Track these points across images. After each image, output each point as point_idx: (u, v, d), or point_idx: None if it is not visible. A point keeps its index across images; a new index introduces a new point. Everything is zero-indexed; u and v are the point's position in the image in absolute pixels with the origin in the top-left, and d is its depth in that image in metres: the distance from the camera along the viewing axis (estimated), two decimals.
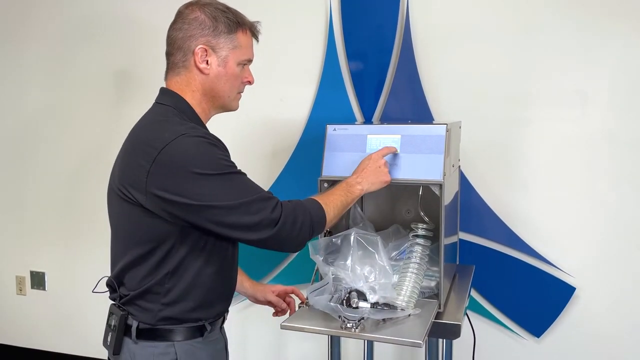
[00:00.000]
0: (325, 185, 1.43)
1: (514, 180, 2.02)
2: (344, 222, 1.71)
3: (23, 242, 2.76)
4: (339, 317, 1.18)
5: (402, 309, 1.22)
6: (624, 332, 1.94)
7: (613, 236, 1.93)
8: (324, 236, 1.39)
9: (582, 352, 2.00)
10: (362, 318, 1.17)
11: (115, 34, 2.48)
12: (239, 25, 1.24)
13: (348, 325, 1.17)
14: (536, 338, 2.05)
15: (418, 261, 1.33)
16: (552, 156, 1.97)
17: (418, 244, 1.36)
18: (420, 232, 1.38)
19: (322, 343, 2.10)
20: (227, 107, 1.29)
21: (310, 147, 2.21)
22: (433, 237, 1.41)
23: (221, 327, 1.30)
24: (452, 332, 1.31)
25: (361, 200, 1.83)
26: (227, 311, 1.31)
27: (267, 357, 2.41)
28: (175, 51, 1.23)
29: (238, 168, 1.16)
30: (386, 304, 1.22)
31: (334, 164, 1.44)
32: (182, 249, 1.15)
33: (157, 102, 1.26)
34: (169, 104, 1.23)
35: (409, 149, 1.39)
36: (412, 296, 1.29)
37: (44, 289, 2.75)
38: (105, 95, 2.53)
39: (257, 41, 1.32)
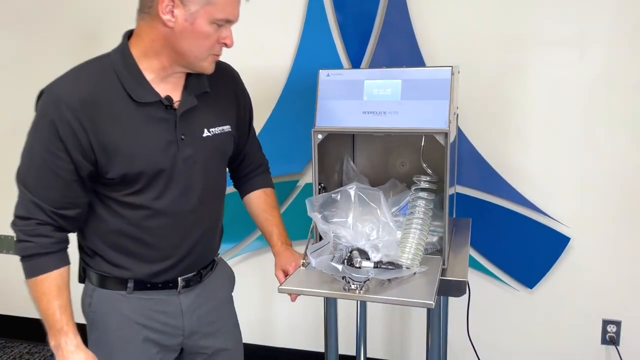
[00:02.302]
0: (319, 137, 1.31)
1: (509, 129, 1.94)
2: (337, 177, 1.61)
3: None
4: (343, 278, 1.09)
5: (407, 268, 1.14)
6: (617, 283, 1.92)
7: (610, 185, 1.88)
8: (320, 192, 1.29)
9: (574, 303, 1.98)
10: (367, 279, 1.08)
11: None
12: None
13: (352, 286, 1.09)
14: (529, 289, 2.02)
15: (422, 216, 1.25)
16: (549, 103, 1.88)
17: (421, 197, 1.27)
18: (423, 185, 1.29)
19: (314, 302, 2.03)
20: (194, 68, 1.14)
21: (294, 96, 2.07)
22: (436, 191, 1.32)
23: (180, 291, 1.24)
24: (458, 289, 1.24)
25: (353, 153, 1.72)
26: (183, 275, 1.24)
27: (257, 316, 2.35)
28: None
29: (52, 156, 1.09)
30: (390, 263, 1.13)
31: (329, 113, 1.32)
32: (89, 207, 1.17)
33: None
34: (111, 53, 1.14)
35: (410, 95, 1.27)
36: (417, 253, 1.21)
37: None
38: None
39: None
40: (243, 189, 1.44)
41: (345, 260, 1.14)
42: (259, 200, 1.41)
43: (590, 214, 1.91)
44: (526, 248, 1.99)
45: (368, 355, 1.95)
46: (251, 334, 2.36)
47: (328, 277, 1.17)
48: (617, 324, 1.95)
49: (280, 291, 1.14)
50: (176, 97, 1.16)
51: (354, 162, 1.69)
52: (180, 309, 1.25)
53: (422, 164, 1.32)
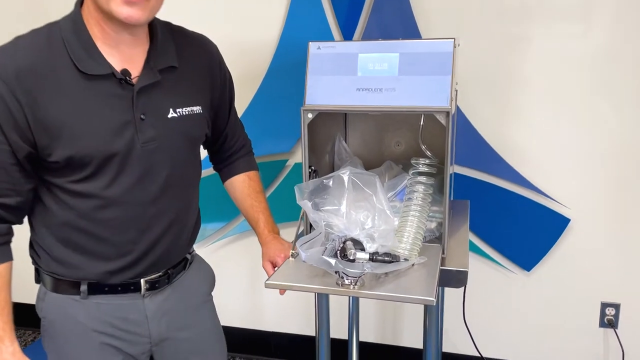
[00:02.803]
0: (310, 116, 1.21)
1: (508, 105, 1.84)
2: (329, 159, 1.51)
3: None
4: (336, 272, 1.00)
5: (405, 259, 1.05)
6: (617, 265, 1.86)
7: (613, 165, 1.80)
8: (311, 177, 1.19)
9: (572, 285, 1.92)
10: (363, 274, 0.99)
11: None
12: None
13: (346, 281, 1.00)
14: (526, 272, 1.95)
15: (420, 202, 1.15)
16: (551, 78, 1.79)
17: (420, 182, 1.17)
18: (422, 168, 1.19)
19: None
20: (107, 10, 0.95)
21: (282, 71, 1.95)
22: (435, 174, 1.23)
23: (144, 294, 1.12)
24: (458, 279, 1.16)
25: (345, 132, 1.62)
26: (146, 276, 1.12)
27: (246, 300, 2.27)
28: None
29: None
30: (387, 254, 1.04)
31: (320, 90, 1.21)
32: (36, 196, 1.05)
33: None
34: (61, 20, 1.01)
35: (408, 70, 1.16)
36: (416, 243, 1.12)
37: None
38: None
39: None
40: (224, 172, 1.33)
41: (338, 252, 1.05)
42: (242, 185, 1.30)
43: (592, 195, 1.84)
44: (524, 230, 1.91)
45: (360, 339, 1.89)
46: (240, 319, 2.30)
47: (320, 269, 1.07)
48: (616, 307, 1.90)
49: (267, 286, 1.04)
50: (135, 71, 1.02)
51: (346, 141, 1.59)
52: (144, 314, 1.13)
53: (420, 146, 1.22)
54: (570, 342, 1.96)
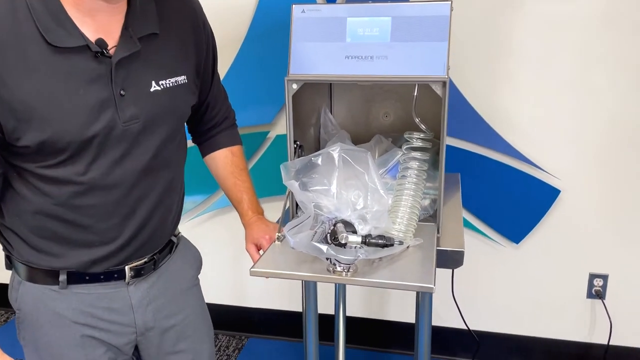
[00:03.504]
0: (294, 86, 1.11)
1: (498, 73, 1.76)
2: (314, 132, 1.42)
3: None
4: (327, 258, 0.92)
5: (399, 242, 0.98)
6: (605, 236, 1.83)
7: (605, 136, 1.74)
8: (296, 153, 1.10)
9: (560, 257, 1.89)
10: (356, 260, 0.91)
11: None
12: None
13: (338, 268, 0.92)
14: (515, 245, 1.92)
15: (415, 180, 1.08)
16: (543, 45, 1.70)
17: (415, 158, 1.10)
18: (416, 143, 1.11)
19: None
20: None
21: (263, 36, 1.83)
22: (429, 149, 1.15)
23: (128, 282, 1.03)
24: (454, 260, 1.10)
25: (330, 103, 1.52)
26: (131, 263, 1.03)
27: (229, 276, 2.20)
28: None
29: None
30: (380, 236, 0.96)
31: (305, 58, 1.11)
32: (6, 181, 0.94)
33: None
34: None
35: (401, 36, 1.07)
36: (411, 224, 1.05)
37: None
38: None
39: None
40: (205, 146, 1.22)
41: (328, 235, 0.97)
42: (225, 161, 1.20)
43: (583, 166, 1.79)
44: (514, 202, 1.86)
45: (347, 314, 1.84)
46: (224, 295, 2.23)
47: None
48: (604, 277, 1.88)
49: (252, 274, 0.96)
50: (112, 41, 0.90)
51: (331, 113, 1.50)
52: (129, 303, 1.04)
53: (414, 119, 1.14)
54: (558, 313, 1.94)
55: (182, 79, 1.01)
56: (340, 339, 1.69)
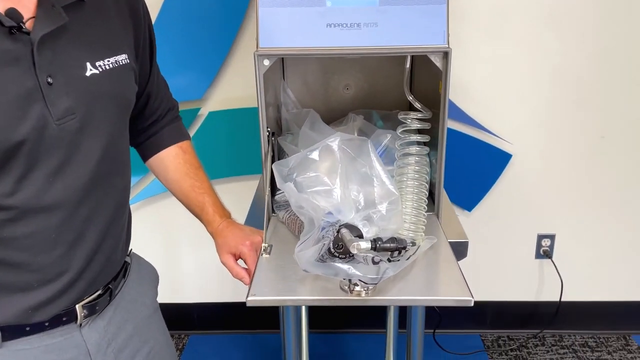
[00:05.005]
0: (266, 63, 0.90)
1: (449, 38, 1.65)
2: (273, 112, 1.22)
3: None
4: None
5: (412, 242, 0.84)
6: (552, 197, 1.84)
7: (554, 98, 1.72)
8: (270, 142, 0.91)
9: (511, 220, 1.88)
10: (383, 278, 0.76)
11: None
12: None
13: (357, 287, 0.76)
14: (467, 212, 1.87)
15: (418, 168, 0.94)
16: (491, 7, 1.62)
17: (413, 143, 0.95)
18: (414, 125, 0.96)
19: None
20: None
21: None
22: (429, 130, 1.00)
23: (81, 323, 0.81)
24: (459, 252, 0.99)
25: (282, 76, 1.33)
26: (81, 301, 0.80)
27: (162, 271, 1.95)
28: None
29: None
30: (392, 239, 0.82)
31: (276, 27, 0.90)
32: None
33: None
34: None
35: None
36: (419, 220, 0.91)
37: None
38: None
39: None
40: (147, 146, 0.99)
41: (331, 244, 0.81)
42: (176, 161, 0.98)
43: (532, 129, 1.76)
44: (466, 170, 1.81)
45: None
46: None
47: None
48: (551, 237, 1.90)
49: (250, 304, 0.77)
50: (27, 12, 0.66)
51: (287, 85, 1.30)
52: (85, 350, 0.81)
53: (407, 96, 0.98)
54: (510, 275, 1.96)
55: (123, 57, 0.78)
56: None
